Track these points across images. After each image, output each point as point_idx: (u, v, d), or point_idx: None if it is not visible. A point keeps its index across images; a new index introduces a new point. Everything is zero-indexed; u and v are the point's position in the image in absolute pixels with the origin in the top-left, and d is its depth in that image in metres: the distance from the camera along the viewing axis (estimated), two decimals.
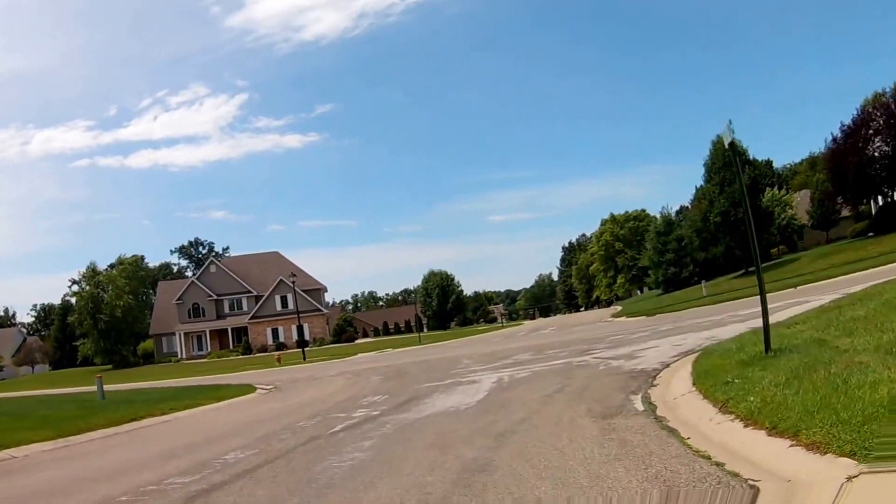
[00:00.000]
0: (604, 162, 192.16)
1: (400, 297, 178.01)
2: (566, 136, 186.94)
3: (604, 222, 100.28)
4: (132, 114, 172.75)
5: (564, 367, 15.02)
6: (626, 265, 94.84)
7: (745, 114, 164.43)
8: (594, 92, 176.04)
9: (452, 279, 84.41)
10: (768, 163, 58.15)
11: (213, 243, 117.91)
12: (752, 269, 44.32)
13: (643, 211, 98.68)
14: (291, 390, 21.58)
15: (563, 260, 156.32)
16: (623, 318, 35.23)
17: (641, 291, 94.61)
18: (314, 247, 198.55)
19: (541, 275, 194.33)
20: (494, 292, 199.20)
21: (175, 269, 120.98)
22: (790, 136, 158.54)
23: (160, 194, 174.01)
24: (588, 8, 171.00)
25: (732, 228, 40.58)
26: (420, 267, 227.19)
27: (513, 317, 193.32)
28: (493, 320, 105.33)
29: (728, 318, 20.17)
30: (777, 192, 67.39)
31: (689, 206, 59.17)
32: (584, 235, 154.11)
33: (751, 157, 42.46)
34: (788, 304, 19.13)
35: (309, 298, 79.09)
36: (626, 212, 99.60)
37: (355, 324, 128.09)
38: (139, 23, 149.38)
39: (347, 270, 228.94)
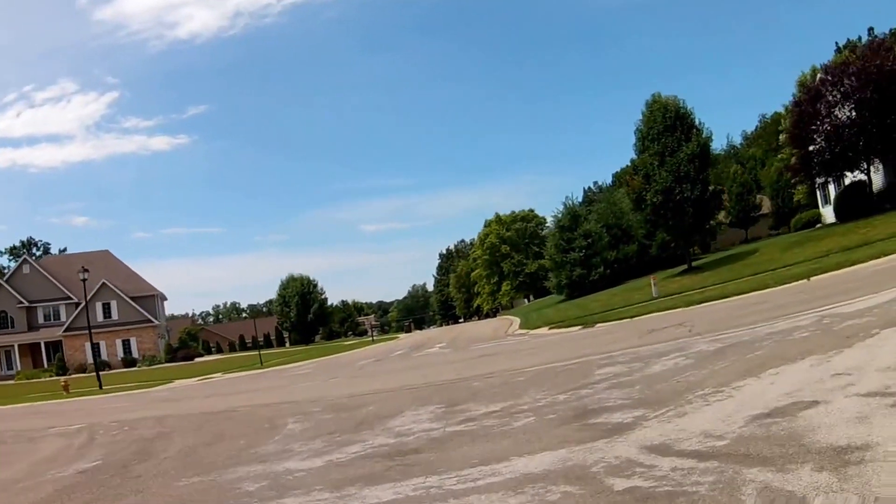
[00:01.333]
0: (478, 171, 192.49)
1: (265, 308, 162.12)
2: (441, 143, 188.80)
3: (488, 223, 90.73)
4: None
5: None
6: (513, 271, 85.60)
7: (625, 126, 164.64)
8: (470, 99, 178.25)
9: (315, 285, 71.24)
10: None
11: (48, 243, 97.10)
12: (698, 264, 34.77)
13: (531, 211, 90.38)
14: None
15: (439, 268, 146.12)
16: (545, 331, 24.37)
17: (529, 300, 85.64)
18: (179, 256, 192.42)
19: (414, 285, 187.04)
20: (366, 303, 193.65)
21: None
22: None
23: (17, 196, 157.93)
24: (468, 15, 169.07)
25: (677, 211, 30.90)
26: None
27: (385, 329, 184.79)
28: (364, 333, 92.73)
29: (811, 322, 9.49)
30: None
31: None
32: (463, 241, 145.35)
33: (697, 122, 33.02)
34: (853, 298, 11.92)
35: (138, 307, 63.08)
36: (513, 212, 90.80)
37: (207, 338, 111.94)
38: (8, 11, 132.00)
39: (214, 280, 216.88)
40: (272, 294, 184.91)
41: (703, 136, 32.89)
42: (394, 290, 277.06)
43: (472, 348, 22.20)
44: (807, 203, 48.23)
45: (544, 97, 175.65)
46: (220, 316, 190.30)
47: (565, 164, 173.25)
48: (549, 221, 50.34)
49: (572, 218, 48.16)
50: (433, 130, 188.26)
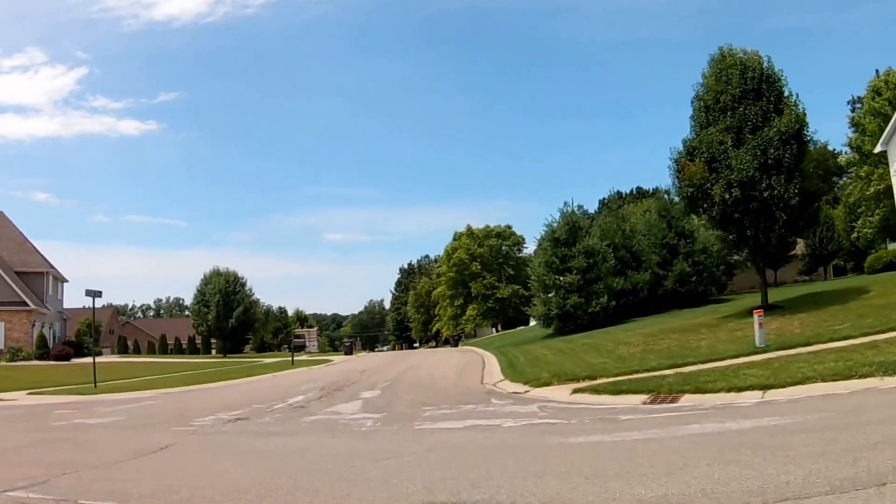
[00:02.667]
0: (451, 191, 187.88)
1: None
2: (415, 158, 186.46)
3: (457, 236, 79.15)
4: None
5: None
6: (482, 293, 74.06)
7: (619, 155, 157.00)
8: (450, 115, 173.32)
9: (243, 284, 58.46)
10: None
11: None
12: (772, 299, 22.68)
13: (508, 227, 79.19)
14: None
15: (398, 284, 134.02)
16: (569, 395, 12.02)
17: (497, 329, 74.14)
18: (137, 244, 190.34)
19: (371, 300, 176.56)
20: (317, 314, 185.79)
21: None
22: None
23: None
24: (456, 28, 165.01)
25: (762, 215, 19.88)
26: (249, 280, 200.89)
27: (334, 345, 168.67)
28: (301, 347, 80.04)
29: None
30: None
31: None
32: (426, 257, 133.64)
33: (787, 93, 22.15)
34: None
35: (14, 286, 49.39)
36: (488, 226, 79.35)
37: (130, 333, 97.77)
38: None
39: (169, 273, 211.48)
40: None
41: (799, 110, 21.89)
42: (352, 304, 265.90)
43: (425, 418, 10.61)
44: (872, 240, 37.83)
45: (527, 120, 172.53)
46: (161, 311, 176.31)
47: (545, 191, 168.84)
48: (538, 234, 39.08)
49: (571, 230, 36.88)
50: (408, 143, 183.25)
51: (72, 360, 45.51)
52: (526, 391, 13.77)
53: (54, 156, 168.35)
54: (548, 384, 13.52)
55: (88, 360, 48.12)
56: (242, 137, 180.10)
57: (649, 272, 38.30)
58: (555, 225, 37.52)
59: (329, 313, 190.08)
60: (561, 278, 35.88)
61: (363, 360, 37.01)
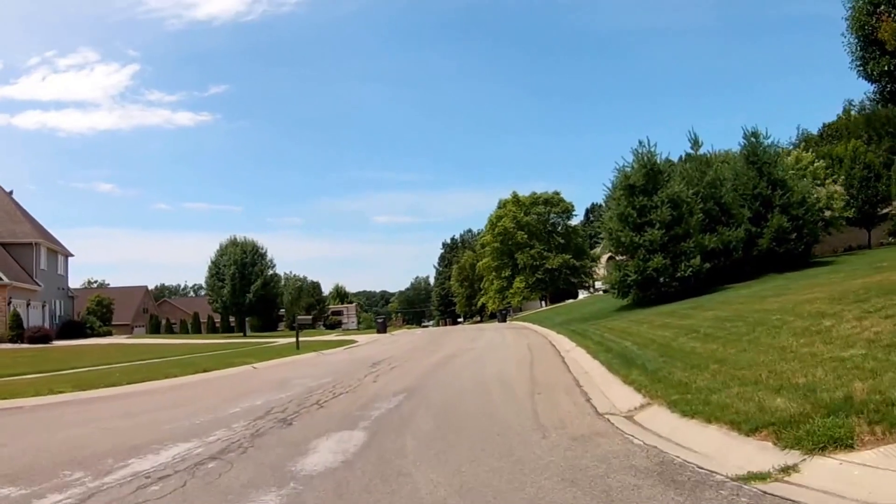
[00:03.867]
0: (492, 174, 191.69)
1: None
2: (458, 143, 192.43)
3: (502, 204, 71.59)
4: (19, 71, 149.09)
5: None
6: (530, 264, 66.60)
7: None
8: (492, 101, 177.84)
9: (262, 255, 52.02)
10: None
11: None
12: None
13: (557, 194, 71.23)
14: None
15: (441, 258, 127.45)
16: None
17: (545, 303, 66.74)
18: (198, 230, 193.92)
19: (417, 277, 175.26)
20: (371, 292, 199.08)
21: None
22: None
23: (47, 158, 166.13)
24: (494, 16, 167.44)
25: None
26: (298, 262, 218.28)
27: (380, 321, 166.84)
28: (336, 325, 73.95)
29: None
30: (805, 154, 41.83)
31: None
32: (469, 231, 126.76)
33: None
34: None
35: None
36: (534, 193, 71.60)
37: (169, 311, 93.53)
38: None
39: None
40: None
41: None
42: (400, 282, 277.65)
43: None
44: None
45: (567, 105, 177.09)
46: (202, 289, 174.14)
47: (582, 174, 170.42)
48: (610, 181, 31.54)
49: (649, 175, 29.28)
50: (451, 128, 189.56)
51: (53, 342, 39.58)
52: (680, 419, 6.51)
53: (115, 148, 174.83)
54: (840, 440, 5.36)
55: (77, 342, 42.26)
56: (290, 126, 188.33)
57: (742, 229, 30.36)
58: (628, 170, 29.85)
59: (378, 290, 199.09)
60: (640, 235, 28.29)
61: (393, 342, 30.18)
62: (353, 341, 31.59)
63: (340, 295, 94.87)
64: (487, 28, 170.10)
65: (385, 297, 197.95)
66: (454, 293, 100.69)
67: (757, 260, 30.81)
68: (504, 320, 51.40)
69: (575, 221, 74.91)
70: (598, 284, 63.18)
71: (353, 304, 79.78)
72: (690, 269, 27.57)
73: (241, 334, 52.42)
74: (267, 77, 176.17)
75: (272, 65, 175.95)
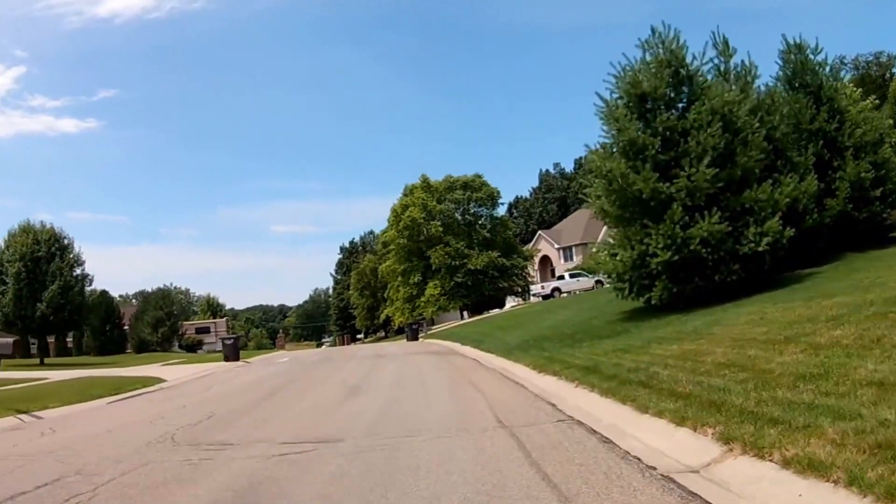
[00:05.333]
0: (397, 178, 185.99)
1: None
2: (361, 150, 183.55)
3: (409, 190, 57.83)
4: None
5: None
6: (447, 265, 53.14)
7: None
8: (401, 103, 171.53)
9: (64, 247, 35.89)
10: None
11: None
12: None
13: (479, 177, 58.15)
14: None
15: (339, 265, 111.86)
16: None
17: (463, 315, 53.56)
18: (82, 241, 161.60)
19: (317, 289, 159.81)
20: (268, 306, 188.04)
21: None
22: None
23: None
24: (401, 18, 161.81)
25: None
26: (193, 275, 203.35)
27: (274, 338, 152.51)
28: (197, 345, 57.84)
29: None
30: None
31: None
32: (371, 233, 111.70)
33: None
34: None
35: None
36: (449, 176, 58.31)
37: None
38: None
39: (115, 271, 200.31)
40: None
41: None
42: (300, 295, 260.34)
43: None
44: None
45: (477, 109, 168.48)
46: None
47: (500, 177, 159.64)
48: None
49: (675, 77, 16.60)
50: (355, 136, 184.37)
51: None
52: None
53: None
54: None
55: None
56: (185, 133, 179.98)
57: (811, 179, 17.93)
58: (634, 69, 16.93)
59: (276, 304, 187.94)
60: (668, 184, 15.44)
61: (202, 390, 15.65)
62: (139, 384, 16.81)
63: (213, 307, 77.93)
64: (394, 30, 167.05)
65: (284, 311, 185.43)
66: (353, 304, 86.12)
67: (830, 230, 18.90)
68: (415, 337, 37.72)
69: (502, 212, 62.61)
70: (536, 290, 50.55)
71: (225, 319, 63.24)
72: (766, 239, 14.85)
73: (39, 362, 36.04)
74: (162, 81, 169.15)
75: (169, 68, 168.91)
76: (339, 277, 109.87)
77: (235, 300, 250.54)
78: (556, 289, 48.57)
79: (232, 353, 27.62)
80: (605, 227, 57.73)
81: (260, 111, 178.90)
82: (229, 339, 27.86)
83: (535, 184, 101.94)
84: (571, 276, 49.68)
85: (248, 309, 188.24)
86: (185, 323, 62.47)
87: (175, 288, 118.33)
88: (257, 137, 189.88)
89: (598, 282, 47.57)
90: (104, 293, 51.83)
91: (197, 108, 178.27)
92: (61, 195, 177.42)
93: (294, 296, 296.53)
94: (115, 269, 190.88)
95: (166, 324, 49.35)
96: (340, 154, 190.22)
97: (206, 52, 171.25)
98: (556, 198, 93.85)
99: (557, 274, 61.46)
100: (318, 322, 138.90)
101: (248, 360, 29.22)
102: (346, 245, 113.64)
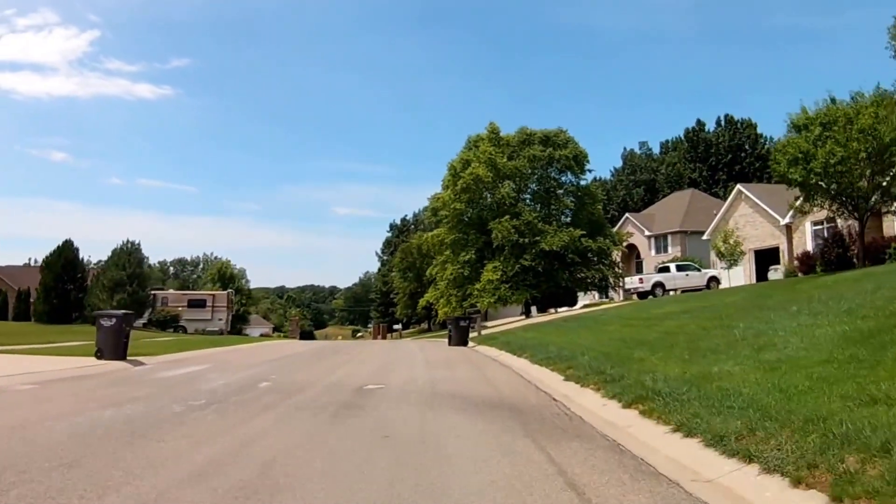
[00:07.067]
0: None
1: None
2: (426, 137, 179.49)
3: (473, 143, 44.03)
4: None
5: None
6: (514, 241, 39.00)
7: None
8: (465, 96, 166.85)
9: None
10: None
11: None
12: None
13: (563, 131, 43.54)
14: None
15: (386, 244, 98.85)
16: None
17: (529, 311, 39.40)
18: (149, 210, 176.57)
19: (367, 272, 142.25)
20: (318, 286, 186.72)
21: None
22: None
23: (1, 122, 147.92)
24: (472, 9, 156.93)
25: None
26: (252, 249, 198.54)
27: (319, 322, 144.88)
28: (173, 321, 45.22)
29: None
30: None
31: None
32: (425, 210, 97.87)
33: None
34: None
35: None
36: (525, 128, 44.03)
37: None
38: None
39: (178, 240, 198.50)
40: (235, 262, 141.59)
41: None
42: (351, 278, 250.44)
43: None
44: None
45: (539, 101, 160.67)
46: None
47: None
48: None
49: None
50: (423, 123, 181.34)
51: None
52: None
53: (71, 116, 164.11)
54: None
55: None
56: (254, 107, 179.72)
57: None
58: None
59: (327, 285, 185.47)
60: None
61: None
62: None
63: (223, 277, 65.60)
64: (464, 21, 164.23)
65: (333, 292, 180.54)
66: (395, 289, 72.96)
67: None
68: (463, 339, 23.93)
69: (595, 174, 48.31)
70: (633, 283, 36.47)
71: (226, 293, 50.32)
72: None
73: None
74: (233, 54, 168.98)
75: (239, 41, 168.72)
76: (385, 258, 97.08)
77: (287, 278, 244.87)
78: (659, 284, 35.08)
79: (111, 343, 14.50)
80: (719, 213, 42.83)
81: (327, 92, 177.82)
82: (109, 317, 14.68)
83: (618, 164, 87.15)
84: (679, 268, 36.39)
85: (298, 288, 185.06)
86: (169, 293, 50.13)
87: (215, 258, 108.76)
88: (326, 117, 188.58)
89: (712, 279, 35.81)
90: (67, 243, 40.04)
91: (265, 85, 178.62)
92: (134, 160, 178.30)
93: (346, 278, 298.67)
94: (181, 236, 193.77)
95: (126, 289, 37.06)
96: (405, 142, 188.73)
97: (271, 27, 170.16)
98: (643, 180, 78.79)
99: (648, 267, 47.36)
100: (364, 307, 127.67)
101: (155, 357, 16.17)
102: (398, 222, 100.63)
